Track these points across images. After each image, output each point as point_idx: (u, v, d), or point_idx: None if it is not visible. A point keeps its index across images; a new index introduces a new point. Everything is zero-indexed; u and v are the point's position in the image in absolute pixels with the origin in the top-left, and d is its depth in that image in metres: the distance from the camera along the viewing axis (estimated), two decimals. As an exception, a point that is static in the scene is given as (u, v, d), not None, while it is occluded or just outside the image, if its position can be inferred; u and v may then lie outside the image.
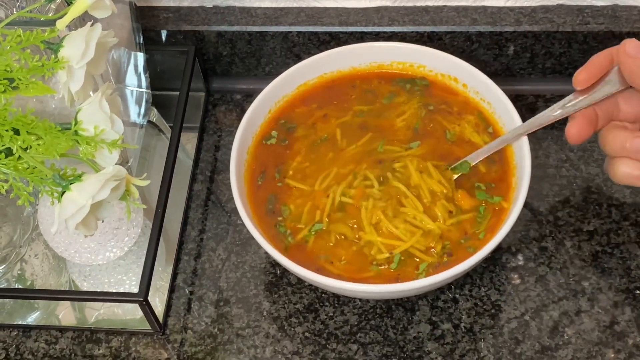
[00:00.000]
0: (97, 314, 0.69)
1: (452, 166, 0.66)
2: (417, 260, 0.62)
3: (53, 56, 0.54)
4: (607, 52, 0.61)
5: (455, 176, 0.66)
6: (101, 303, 0.69)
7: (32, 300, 0.70)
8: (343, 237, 0.63)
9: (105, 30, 0.55)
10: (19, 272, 0.72)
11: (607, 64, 0.61)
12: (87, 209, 0.52)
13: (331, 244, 0.63)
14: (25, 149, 0.52)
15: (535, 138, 0.75)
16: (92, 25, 0.54)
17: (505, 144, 0.66)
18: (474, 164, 0.66)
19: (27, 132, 0.52)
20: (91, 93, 0.57)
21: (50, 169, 0.53)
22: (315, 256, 0.63)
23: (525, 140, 0.64)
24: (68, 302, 0.70)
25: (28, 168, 0.52)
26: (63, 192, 0.52)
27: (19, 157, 0.52)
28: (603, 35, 0.75)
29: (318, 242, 0.64)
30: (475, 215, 0.64)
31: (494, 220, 0.63)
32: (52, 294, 0.69)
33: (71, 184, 0.52)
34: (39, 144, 0.52)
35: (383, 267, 0.62)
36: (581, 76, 0.61)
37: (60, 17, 0.54)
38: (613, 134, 0.62)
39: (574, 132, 0.62)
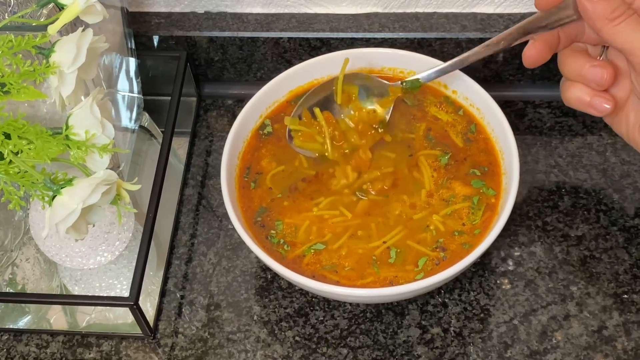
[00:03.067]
0: (88, 318, 0.69)
1: (404, 81, 0.68)
2: (415, 254, 0.63)
3: (44, 61, 0.54)
4: None
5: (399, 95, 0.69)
6: (92, 307, 0.69)
7: (23, 305, 0.70)
8: (347, 250, 0.64)
9: (97, 36, 0.56)
10: (10, 276, 0.72)
11: None
12: (77, 213, 0.52)
13: (334, 259, 0.64)
14: (17, 153, 0.52)
15: (524, 144, 0.75)
16: (83, 30, 0.54)
17: (464, 64, 0.66)
18: (424, 82, 0.68)
19: (18, 136, 0.52)
20: (82, 98, 0.57)
21: (41, 173, 0.53)
22: (313, 266, 0.63)
23: (513, 145, 0.65)
24: (59, 306, 0.70)
25: (19, 172, 0.52)
26: (54, 197, 0.53)
27: (10, 161, 0.52)
28: (591, 42, 0.75)
29: (316, 257, 0.64)
30: (469, 205, 0.64)
31: (488, 214, 0.64)
32: (43, 298, 0.69)
33: (62, 188, 0.52)
34: (30, 149, 0.53)
35: (382, 266, 0.62)
36: None
37: (52, 23, 0.54)
38: (572, 58, 0.62)
39: (532, 54, 0.62)
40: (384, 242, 0.64)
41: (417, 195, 0.66)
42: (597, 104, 0.62)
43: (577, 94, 0.62)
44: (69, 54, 0.53)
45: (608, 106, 0.61)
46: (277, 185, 0.68)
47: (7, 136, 0.52)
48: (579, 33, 0.62)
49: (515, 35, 0.62)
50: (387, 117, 0.69)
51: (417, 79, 0.68)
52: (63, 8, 0.55)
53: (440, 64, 0.67)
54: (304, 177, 0.68)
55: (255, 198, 0.67)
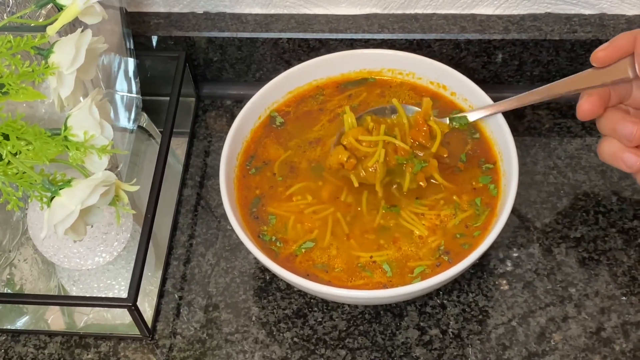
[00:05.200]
0: (86, 318, 0.69)
1: (451, 116, 0.68)
2: (412, 266, 0.63)
3: (43, 62, 0.54)
4: (632, 34, 0.60)
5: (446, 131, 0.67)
6: (90, 308, 0.69)
7: (21, 305, 0.70)
8: (337, 249, 0.64)
9: (96, 37, 0.55)
10: (7, 276, 0.72)
11: (629, 47, 0.61)
12: (76, 214, 0.52)
13: (325, 258, 0.64)
14: (15, 154, 0.52)
15: (523, 145, 0.75)
16: (82, 31, 0.54)
17: (516, 106, 0.65)
18: (472, 120, 0.67)
19: (16, 137, 0.52)
20: (81, 98, 0.57)
21: (40, 174, 0.53)
22: (306, 264, 0.63)
23: (512, 146, 0.65)
24: (57, 307, 0.70)
25: (17, 173, 0.52)
26: (52, 197, 0.53)
27: (9, 162, 0.52)
28: (590, 43, 0.75)
29: (308, 254, 0.64)
30: (474, 212, 0.64)
31: (487, 215, 0.64)
32: (41, 299, 0.69)
33: (60, 189, 0.52)
34: (28, 149, 0.52)
35: (375, 272, 0.63)
36: (600, 54, 0.61)
37: (51, 23, 0.54)
38: (609, 113, 0.63)
39: (587, 108, 0.62)
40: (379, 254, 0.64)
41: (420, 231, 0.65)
42: (627, 158, 0.62)
43: (610, 148, 0.63)
44: (68, 55, 0.53)
45: (638, 162, 0.62)
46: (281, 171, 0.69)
47: (6, 137, 0.52)
48: (627, 94, 0.63)
49: (570, 87, 0.63)
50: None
51: (465, 116, 0.67)
52: (62, 9, 0.55)
53: (490, 105, 0.67)
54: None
55: (252, 186, 0.67)
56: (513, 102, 0.66)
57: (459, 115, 0.68)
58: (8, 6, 0.63)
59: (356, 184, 0.65)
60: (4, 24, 0.56)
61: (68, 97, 0.55)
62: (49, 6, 0.58)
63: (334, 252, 0.64)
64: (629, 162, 0.62)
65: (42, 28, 0.55)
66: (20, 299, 0.69)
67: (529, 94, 0.65)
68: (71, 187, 0.52)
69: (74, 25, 0.58)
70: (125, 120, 0.75)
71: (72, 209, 0.52)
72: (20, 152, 0.53)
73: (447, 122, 0.67)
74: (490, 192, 0.65)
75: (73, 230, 0.54)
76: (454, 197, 0.65)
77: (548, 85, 0.64)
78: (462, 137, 0.69)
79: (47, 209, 0.53)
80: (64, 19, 0.54)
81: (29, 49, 0.54)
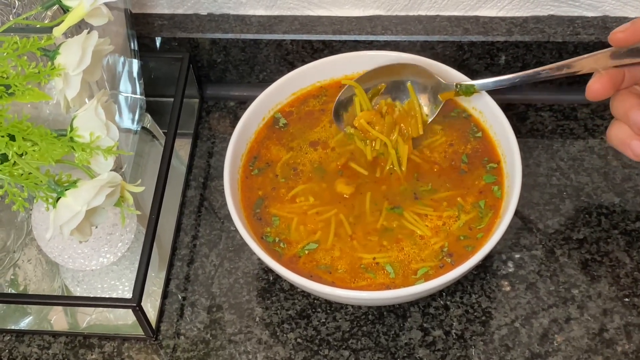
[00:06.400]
0: (88, 318, 0.69)
1: (458, 84, 0.68)
2: (415, 267, 0.63)
3: (49, 63, 0.54)
4: None
5: (443, 100, 0.68)
6: (94, 308, 0.69)
7: (25, 305, 0.70)
8: (340, 251, 0.64)
9: (102, 38, 0.56)
10: (12, 277, 0.72)
11: None
12: (82, 215, 0.52)
13: (328, 259, 0.64)
14: (21, 155, 0.52)
15: (526, 147, 0.76)
16: (88, 32, 0.55)
17: (525, 80, 0.65)
18: (479, 88, 0.67)
19: (22, 138, 0.52)
20: (86, 100, 0.57)
21: (46, 174, 0.53)
22: (309, 265, 0.64)
23: (515, 148, 0.65)
24: (61, 307, 0.70)
25: (23, 174, 0.52)
26: (58, 198, 0.53)
27: (15, 163, 0.52)
28: (593, 45, 0.75)
29: (312, 255, 0.64)
30: (477, 214, 0.65)
31: (490, 216, 0.64)
32: (45, 299, 0.69)
33: (66, 190, 0.53)
34: (34, 150, 0.53)
35: (378, 274, 0.63)
36: (620, 35, 0.60)
37: (57, 25, 0.54)
38: (624, 97, 0.62)
39: (597, 88, 0.61)
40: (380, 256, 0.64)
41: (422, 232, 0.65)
42: (635, 146, 0.62)
43: (619, 133, 0.62)
44: (74, 56, 0.53)
45: None
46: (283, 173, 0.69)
47: (12, 138, 0.52)
48: None
49: (583, 65, 0.63)
50: (430, 119, 0.69)
51: (472, 85, 0.67)
52: (68, 10, 0.55)
53: (500, 76, 0.66)
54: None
55: (254, 187, 0.68)
56: (522, 75, 0.65)
57: (466, 83, 0.68)
58: (14, 7, 0.64)
59: (370, 156, 0.68)
60: (10, 25, 0.56)
61: (74, 99, 0.55)
62: (55, 7, 0.58)
63: (337, 254, 0.64)
64: (636, 151, 0.61)
65: (49, 29, 0.55)
66: (24, 299, 0.69)
67: (541, 69, 0.64)
68: (77, 188, 0.53)
69: (80, 26, 0.58)
70: (129, 122, 0.75)
71: (78, 209, 0.52)
72: (26, 153, 0.53)
73: (454, 88, 0.68)
74: (494, 194, 0.66)
75: (79, 231, 0.54)
76: (458, 199, 0.65)
77: (560, 62, 0.63)
78: (464, 136, 0.69)
79: (52, 210, 0.53)
80: (70, 20, 0.54)
81: (35, 50, 0.54)
